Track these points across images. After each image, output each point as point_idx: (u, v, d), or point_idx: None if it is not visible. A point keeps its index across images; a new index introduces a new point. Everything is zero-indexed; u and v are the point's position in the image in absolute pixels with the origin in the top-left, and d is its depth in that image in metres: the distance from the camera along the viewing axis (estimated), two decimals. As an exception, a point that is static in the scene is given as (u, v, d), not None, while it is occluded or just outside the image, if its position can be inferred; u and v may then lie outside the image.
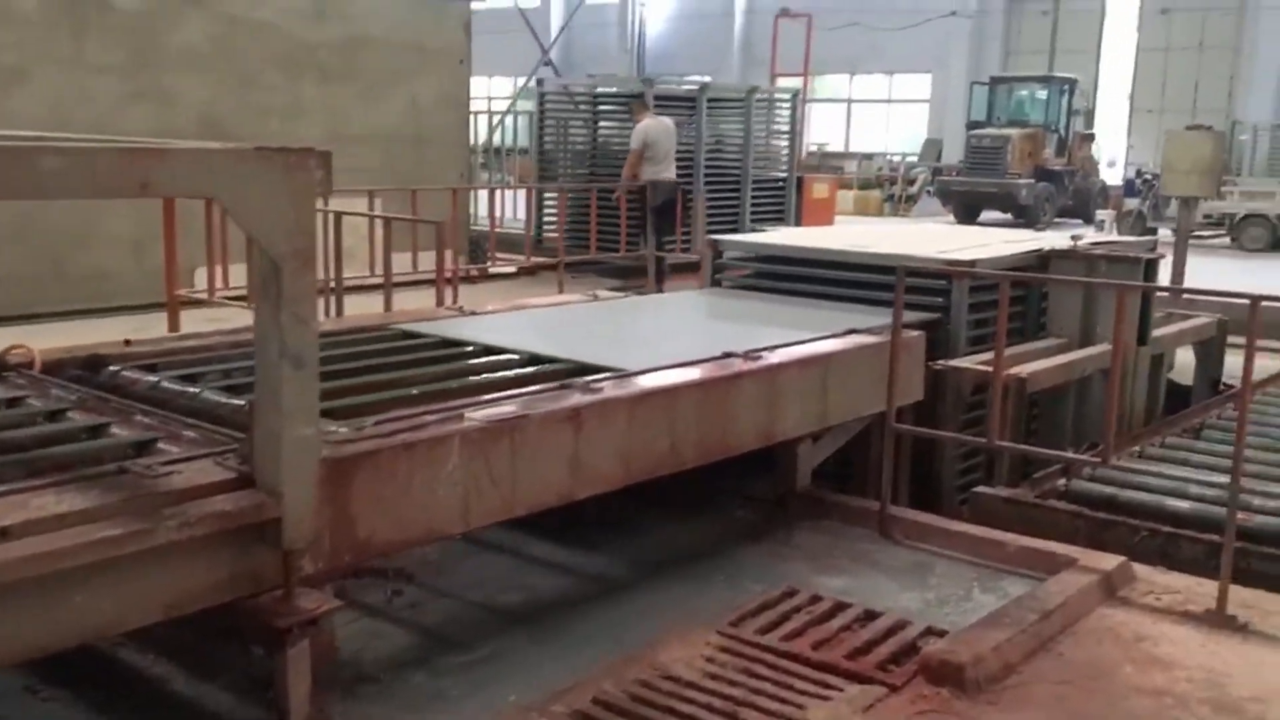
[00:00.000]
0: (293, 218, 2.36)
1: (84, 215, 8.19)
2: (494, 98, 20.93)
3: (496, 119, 18.13)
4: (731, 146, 12.76)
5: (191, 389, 3.35)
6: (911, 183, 27.05)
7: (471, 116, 13.65)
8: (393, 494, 2.81)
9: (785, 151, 13.53)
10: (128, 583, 2.31)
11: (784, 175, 13.30)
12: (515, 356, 4.05)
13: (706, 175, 11.95)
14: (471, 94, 13.28)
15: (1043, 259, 5.83)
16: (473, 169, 14.94)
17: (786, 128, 13.58)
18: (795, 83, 18.79)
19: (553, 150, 12.77)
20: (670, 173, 10.83)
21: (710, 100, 12.39)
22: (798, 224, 12.81)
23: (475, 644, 3.19)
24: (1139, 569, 3.74)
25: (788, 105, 13.58)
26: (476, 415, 3.11)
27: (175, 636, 2.88)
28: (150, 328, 6.95)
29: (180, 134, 8.57)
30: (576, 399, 3.34)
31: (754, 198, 12.75)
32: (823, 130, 34.37)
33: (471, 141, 14.36)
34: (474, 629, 3.30)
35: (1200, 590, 3.55)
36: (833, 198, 14.59)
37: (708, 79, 26.60)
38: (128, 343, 3.94)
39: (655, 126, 10.81)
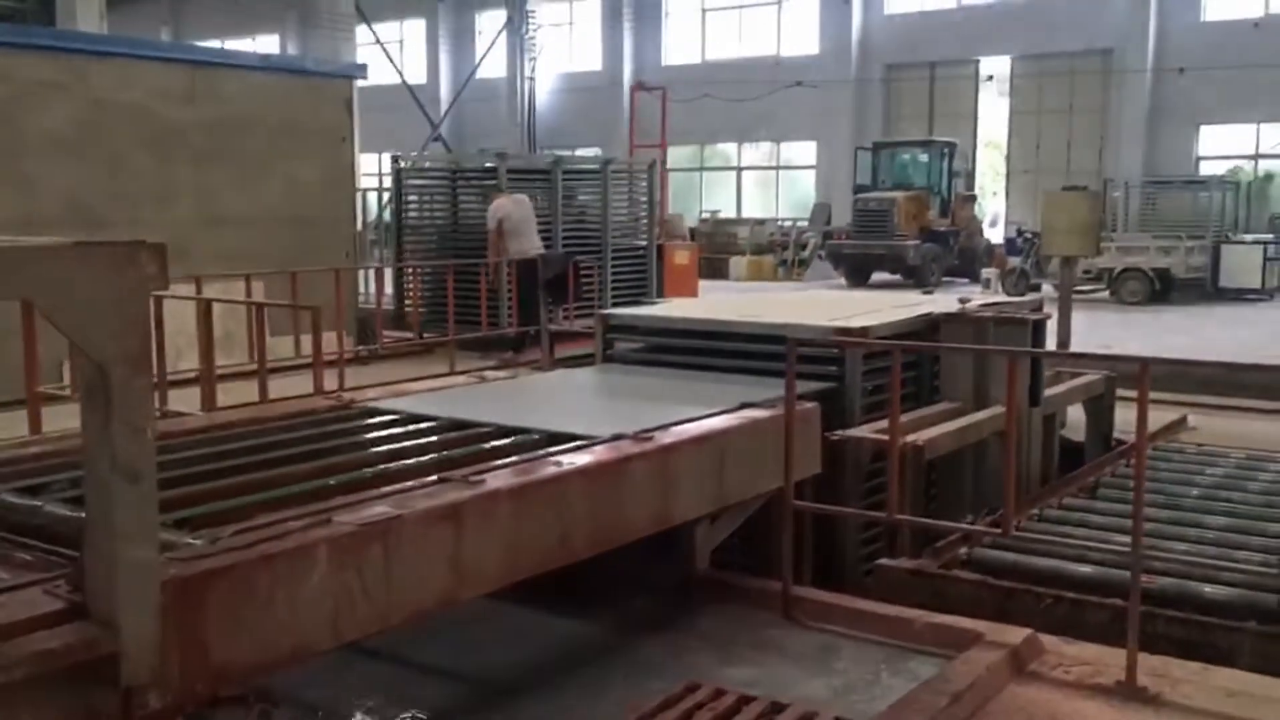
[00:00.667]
0: (121, 319, 2.14)
1: (-64, 307, 7.72)
2: (386, 174, 20.72)
3: (387, 196, 17.91)
4: (592, 217, 12.94)
5: (32, 502, 3.06)
6: (803, 247, 27.48)
7: (361, 194, 13.44)
8: (252, 613, 2.56)
9: (645, 221, 13.74)
10: (-64, 738, 2.04)
11: (644, 244, 13.46)
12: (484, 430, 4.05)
13: (567, 246, 12.10)
14: (363, 171, 13.09)
15: (933, 323, 5.83)
16: (363, 247, 14.68)
17: (646, 198, 13.78)
18: (686, 151, 19.02)
19: (413, 227, 12.61)
20: (535, 244, 11.04)
21: (566, 172, 12.59)
22: (660, 292, 12.83)
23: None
24: (1047, 640, 3.65)
25: (644, 176, 13.80)
26: (346, 518, 2.88)
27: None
28: (9, 428, 6.53)
29: (45, 221, 8.19)
30: (456, 494, 3.13)
31: (616, 267, 12.86)
32: (716, 198, 34.83)
33: (362, 219, 14.13)
34: (350, 752, 3.04)
35: (1109, 660, 3.47)
36: (694, 265, 14.71)
37: (597, 150, 26.83)
38: (-35, 451, 3.62)
39: (507, 203, 11.05)
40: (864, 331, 5.22)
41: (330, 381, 7.23)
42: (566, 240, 12.12)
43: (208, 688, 2.54)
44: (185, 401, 6.81)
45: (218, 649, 2.49)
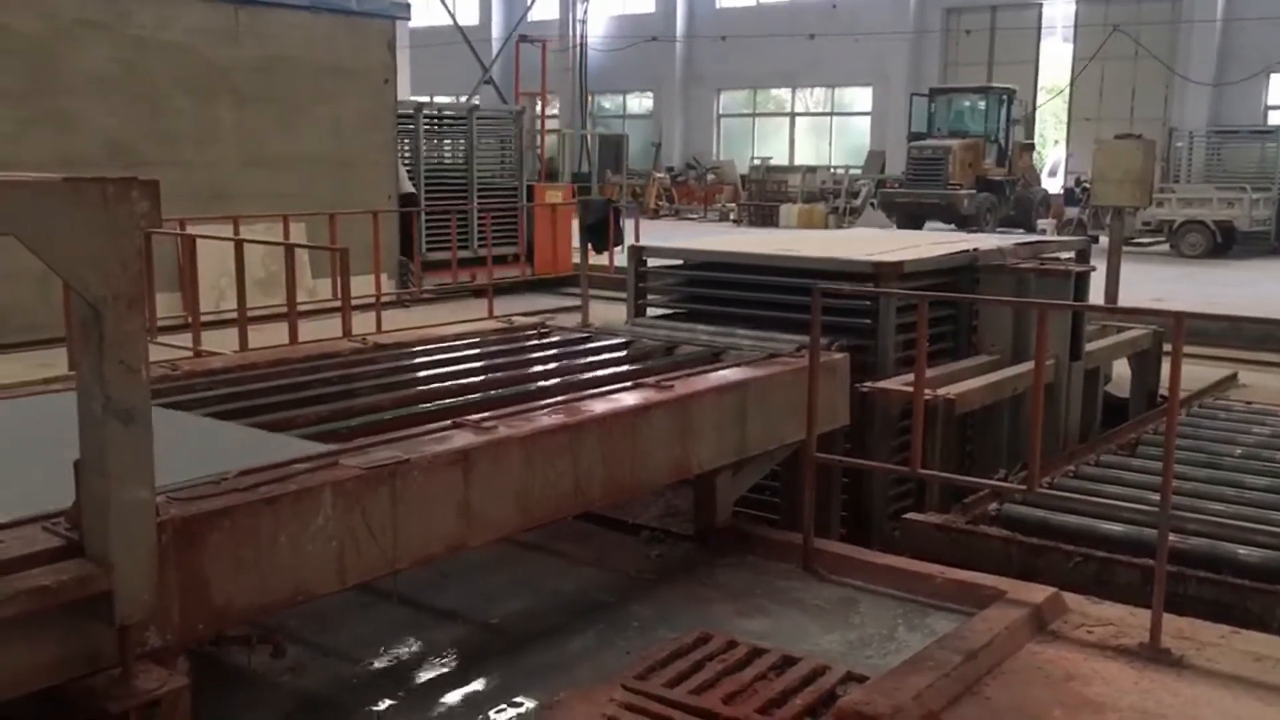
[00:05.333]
0: (113, 257, 2.11)
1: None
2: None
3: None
4: (464, 162, 13.45)
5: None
6: (855, 195, 27.04)
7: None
8: (253, 554, 2.56)
9: (517, 165, 14.22)
10: (-66, 670, 2.05)
11: (514, 185, 13.95)
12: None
13: (430, 187, 12.60)
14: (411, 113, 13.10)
15: (973, 260, 5.65)
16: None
17: (535, 143, 14.48)
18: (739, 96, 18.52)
19: None
20: (406, 184, 11.72)
21: (434, 118, 13.15)
22: (529, 232, 12.98)
23: (355, 713, 2.93)
24: (1071, 599, 3.57)
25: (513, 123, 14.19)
26: (353, 462, 2.87)
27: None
28: (53, 364, 6.62)
29: (85, 161, 8.24)
30: (465, 439, 3.11)
31: (483, 204, 13.12)
32: (768, 144, 34.36)
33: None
34: (357, 695, 3.04)
35: (1134, 621, 3.39)
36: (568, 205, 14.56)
37: (650, 95, 26.41)
38: (-10, 388, 3.66)
39: None
40: (899, 265, 5.09)
41: (369, 324, 7.24)
42: (429, 181, 12.68)
43: (210, 627, 2.55)
44: (223, 342, 6.86)
45: (219, 589, 2.49)
